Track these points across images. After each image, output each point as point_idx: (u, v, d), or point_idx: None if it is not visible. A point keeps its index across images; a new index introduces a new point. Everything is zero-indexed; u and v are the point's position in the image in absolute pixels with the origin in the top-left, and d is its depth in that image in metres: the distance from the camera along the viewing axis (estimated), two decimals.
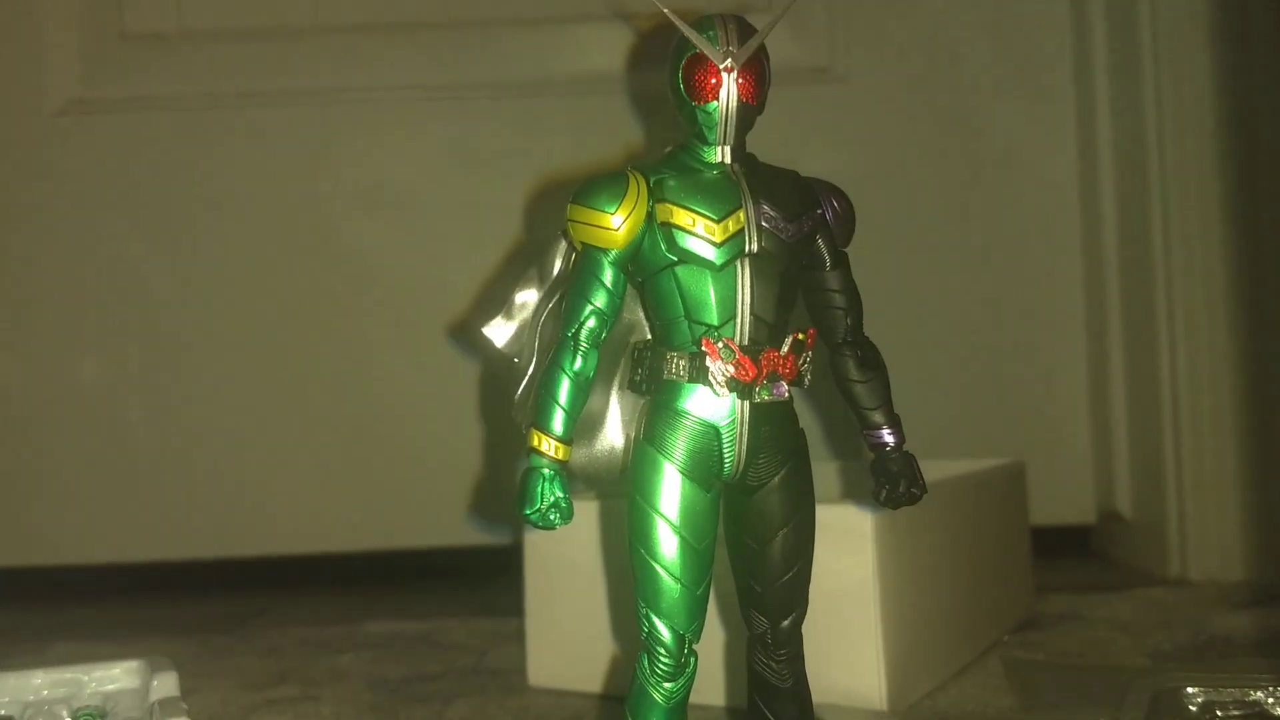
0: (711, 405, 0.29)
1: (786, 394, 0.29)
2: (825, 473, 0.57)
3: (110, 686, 0.41)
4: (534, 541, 0.49)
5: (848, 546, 0.42)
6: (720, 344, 0.28)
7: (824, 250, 0.30)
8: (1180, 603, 0.58)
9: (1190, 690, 0.41)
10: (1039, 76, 0.72)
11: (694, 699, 0.29)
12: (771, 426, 0.29)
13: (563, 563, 0.48)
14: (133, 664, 0.42)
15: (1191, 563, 0.64)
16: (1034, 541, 0.59)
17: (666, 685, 0.29)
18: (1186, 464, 0.64)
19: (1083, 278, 0.72)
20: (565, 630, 0.48)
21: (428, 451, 0.71)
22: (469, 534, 0.71)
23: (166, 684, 0.40)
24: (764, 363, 0.29)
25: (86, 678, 0.42)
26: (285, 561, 0.72)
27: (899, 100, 0.72)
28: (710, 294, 0.28)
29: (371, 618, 0.62)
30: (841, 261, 0.31)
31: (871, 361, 0.31)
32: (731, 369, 0.28)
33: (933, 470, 0.53)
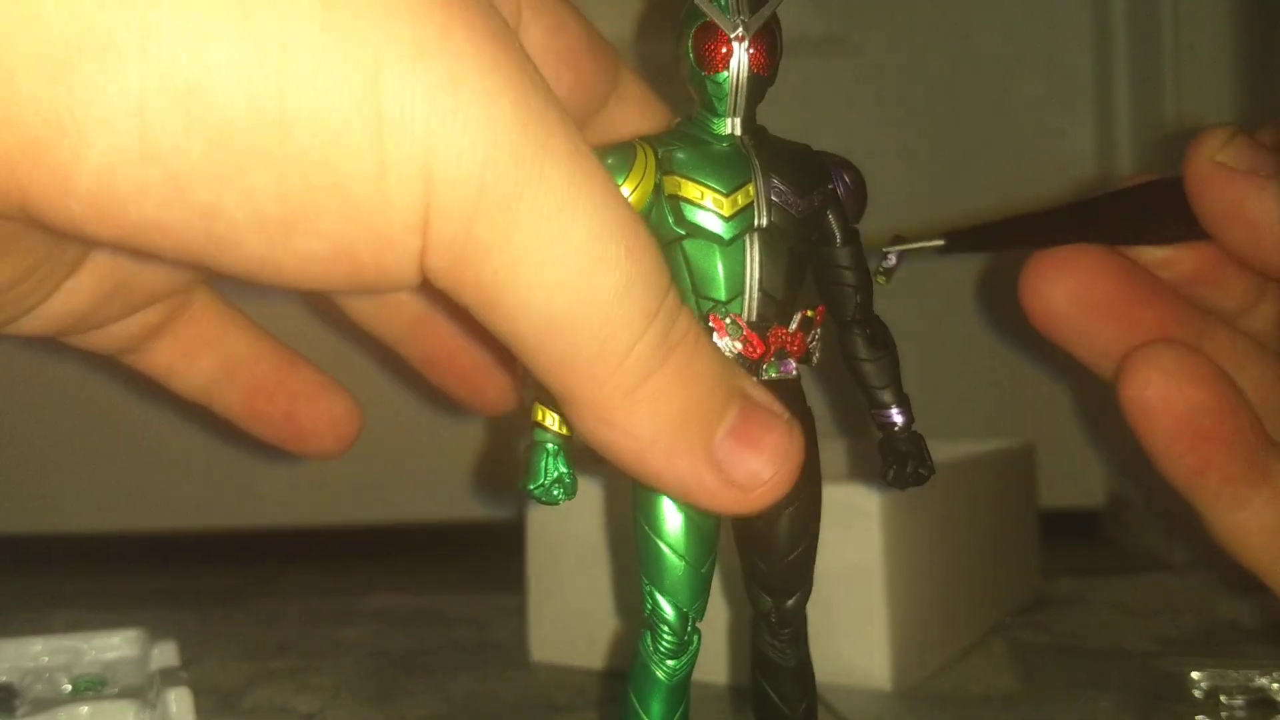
0: None
1: (795, 372, 0.29)
2: (834, 451, 0.57)
3: (110, 655, 0.41)
4: (537, 517, 0.48)
5: (854, 526, 0.42)
6: (728, 320, 0.28)
7: (834, 226, 0.30)
8: (1186, 588, 0.58)
9: (1195, 675, 0.41)
10: (1058, 51, 0.72)
11: (697, 676, 0.29)
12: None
13: (566, 538, 0.48)
14: (132, 633, 0.42)
15: (1199, 547, 0.63)
16: (1042, 524, 0.58)
17: (669, 663, 0.28)
18: None
19: None
20: (568, 606, 0.48)
21: (431, 424, 0.70)
22: (471, 508, 0.71)
23: (166, 653, 0.40)
24: (772, 340, 0.28)
25: (86, 646, 0.41)
26: (285, 533, 0.71)
27: (914, 73, 0.71)
28: (718, 269, 0.28)
29: (373, 590, 0.62)
30: (852, 238, 0.30)
31: (881, 340, 0.30)
32: (739, 345, 0.28)
33: (942, 451, 0.52)
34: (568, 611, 0.48)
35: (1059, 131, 0.72)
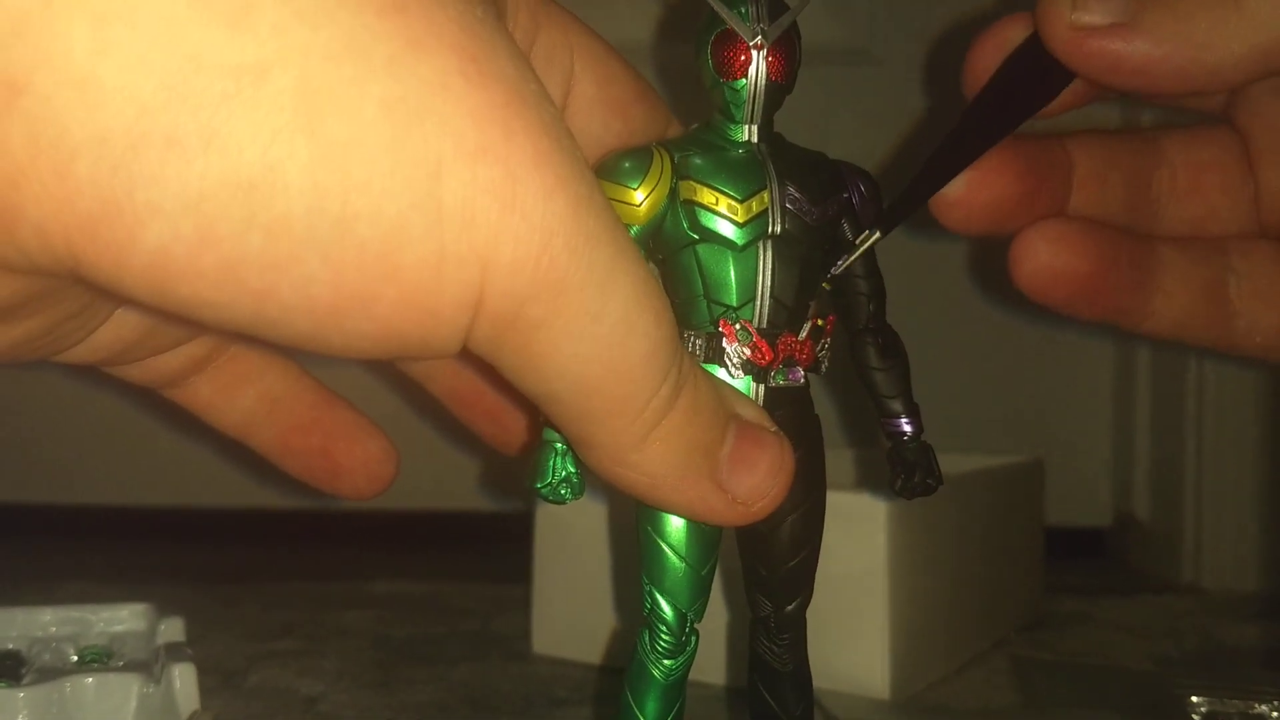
0: None
1: (802, 379, 0.29)
2: (842, 459, 0.57)
3: (117, 628, 0.42)
4: (546, 511, 0.49)
5: (860, 534, 0.42)
6: (738, 325, 0.28)
7: (849, 234, 0.30)
8: (1191, 610, 0.58)
9: (1195, 699, 0.41)
10: None
11: (695, 677, 0.29)
12: (786, 411, 0.28)
13: (573, 533, 0.48)
14: (140, 607, 0.42)
15: (1205, 571, 0.63)
16: (1047, 541, 0.58)
17: (666, 662, 0.28)
18: (1207, 472, 0.64)
19: None
20: (571, 600, 0.48)
21: (444, 414, 0.71)
22: (478, 499, 0.71)
23: (173, 629, 0.40)
24: (781, 347, 0.28)
25: (94, 618, 0.42)
26: (294, 515, 0.72)
27: (935, 85, 0.71)
28: (731, 274, 0.28)
29: (378, 576, 0.62)
30: None
31: (892, 349, 0.30)
32: (747, 351, 0.28)
33: (950, 464, 0.52)
34: (571, 606, 0.48)
35: None
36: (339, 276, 0.19)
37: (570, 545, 0.48)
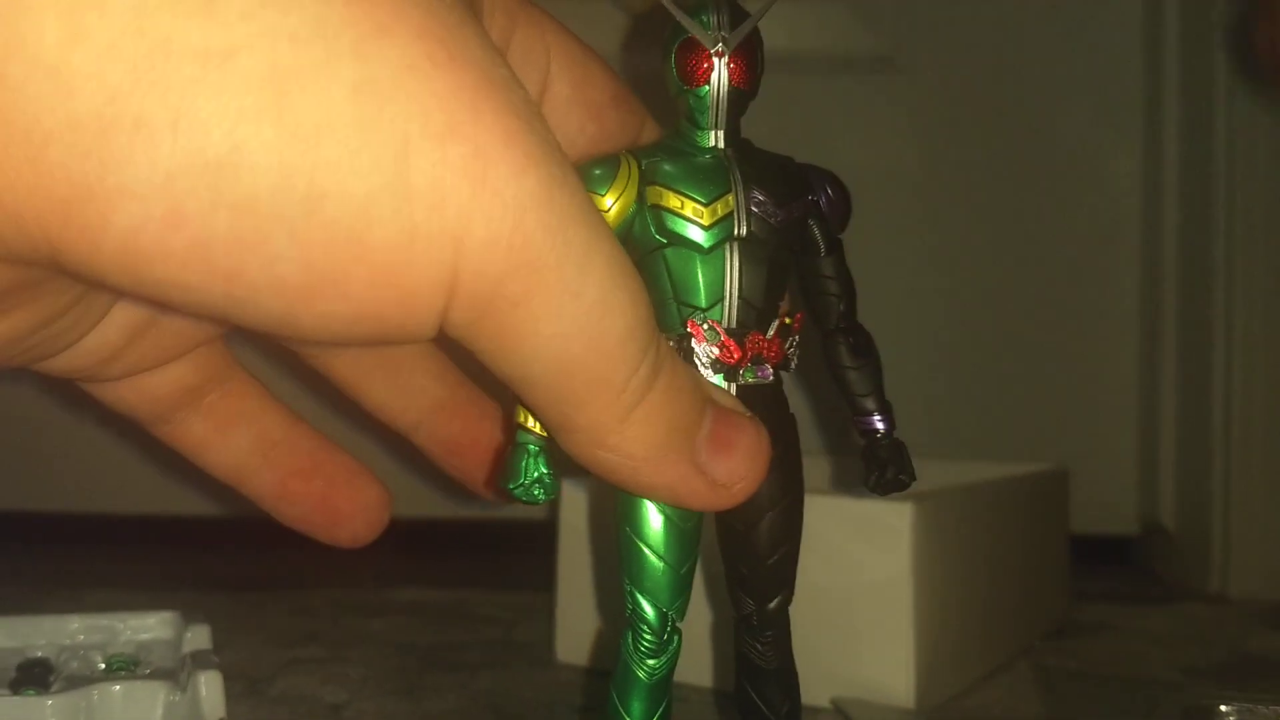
0: None
1: (771, 376, 0.29)
2: (857, 464, 0.56)
3: (144, 636, 0.42)
4: (569, 518, 0.49)
5: (884, 541, 0.42)
6: (705, 326, 0.28)
7: (818, 237, 0.30)
8: (1219, 619, 0.57)
9: (1223, 708, 0.41)
10: (1107, 79, 0.71)
11: (683, 679, 0.29)
12: (759, 409, 0.29)
13: (596, 541, 0.48)
14: (167, 615, 0.42)
15: (1233, 580, 0.63)
16: (1073, 550, 0.58)
17: (649, 662, 0.29)
18: (1234, 480, 0.63)
19: (1139, 285, 0.71)
20: (595, 608, 0.48)
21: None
22: (501, 507, 0.71)
23: (199, 637, 0.41)
24: (749, 346, 0.29)
25: (122, 626, 0.42)
26: None
27: (961, 95, 0.71)
28: (698, 277, 0.28)
29: (401, 584, 0.63)
30: (835, 248, 0.31)
31: (863, 348, 0.30)
32: (716, 351, 0.28)
33: (975, 472, 0.53)
34: (594, 613, 0.48)
35: (1105, 160, 0.71)
36: (308, 255, 0.19)
37: (593, 553, 0.48)
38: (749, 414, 0.27)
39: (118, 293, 0.25)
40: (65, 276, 0.22)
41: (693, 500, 0.26)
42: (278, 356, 0.40)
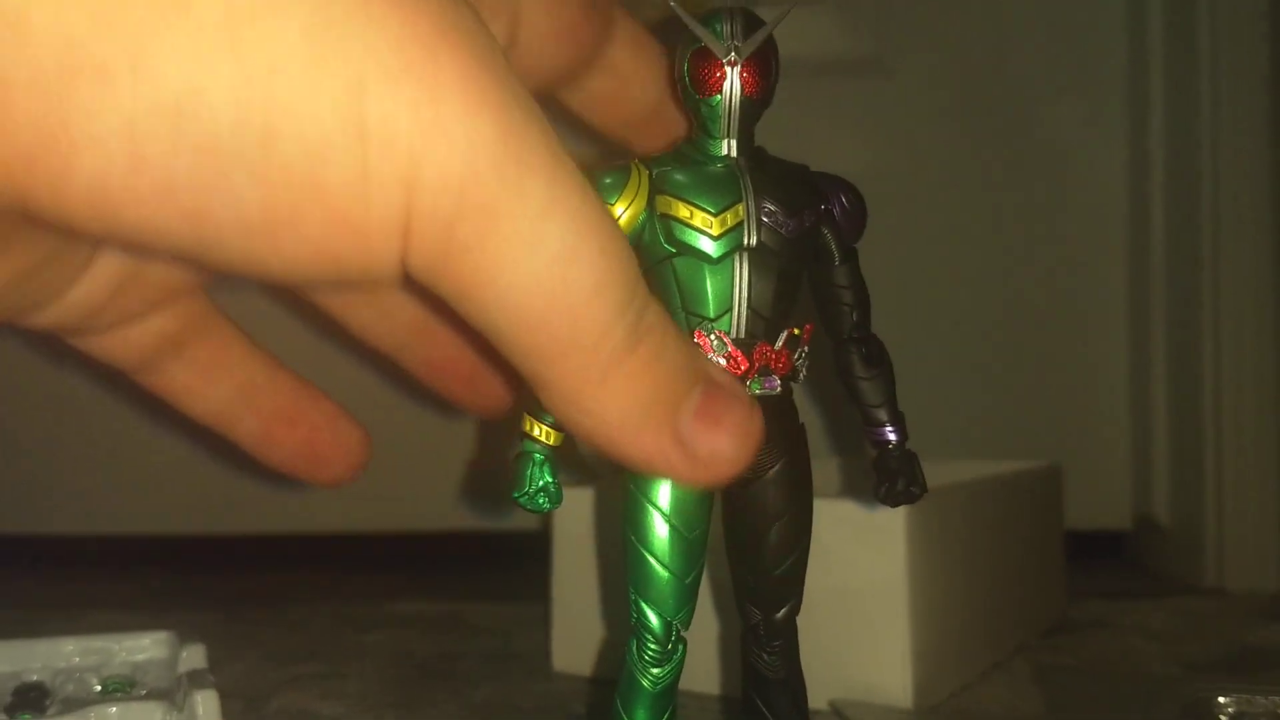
0: None
1: (778, 388, 0.29)
2: (856, 468, 0.57)
3: (139, 656, 0.42)
4: (563, 528, 0.49)
5: (879, 543, 0.42)
6: (712, 336, 0.28)
7: (831, 245, 0.30)
8: (1215, 613, 0.58)
9: (1222, 700, 0.41)
10: (1092, 76, 0.71)
11: (690, 686, 0.29)
12: (767, 420, 0.29)
13: (592, 551, 0.48)
14: (162, 635, 0.42)
15: (1228, 573, 0.63)
16: (1068, 546, 0.58)
17: (654, 671, 0.29)
18: (1227, 473, 0.63)
19: (1127, 280, 0.71)
20: (591, 618, 0.48)
21: (460, 435, 0.71)
22: (495, 518, 0.71)
23: (195, 656, 0.40)
24: (756, 356, 0.29)
25: (116, 647, 0.42)
26: (314, 539, 0.72)
27: (947, 96, 0.71)
28: (707, 287, 0.28)
29: (398, 597, 0.63)
30: (850, 257, 0.30)
31: (876, 358, 0.30)
32: (722, 361, 0.28)
33: (968, 470, 0.53)
34: (591, 623, 0.48)
35: (1091, 157, 0.71)
36: (268, 195, 0.20)
37: (589, 563, 0.48)
38: (745, 393, 0.26)
39: (91, 239, 0.25)
40: (37, 226, 0.22)
41: (670, 472, 0.25)
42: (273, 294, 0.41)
